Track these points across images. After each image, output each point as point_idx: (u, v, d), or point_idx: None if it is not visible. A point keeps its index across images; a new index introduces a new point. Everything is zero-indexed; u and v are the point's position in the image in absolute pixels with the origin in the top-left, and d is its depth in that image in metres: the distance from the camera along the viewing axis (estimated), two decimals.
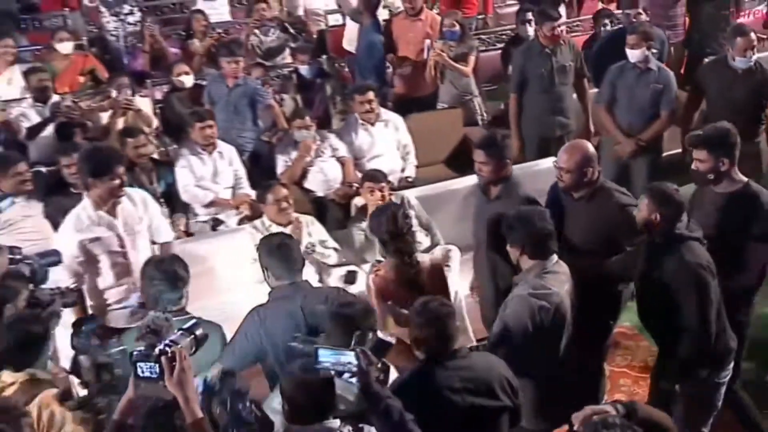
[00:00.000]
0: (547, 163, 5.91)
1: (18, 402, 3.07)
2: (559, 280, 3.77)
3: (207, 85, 6.81)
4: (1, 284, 3.71)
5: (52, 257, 4.27)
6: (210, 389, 2.91)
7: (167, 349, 2.65)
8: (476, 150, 4.33)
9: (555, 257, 3.82)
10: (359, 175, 6.20)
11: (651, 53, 5.94)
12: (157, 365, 2.62)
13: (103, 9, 8.10)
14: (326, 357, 2.83)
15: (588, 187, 4.23)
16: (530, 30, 7.15)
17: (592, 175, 4.19)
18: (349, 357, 2.81)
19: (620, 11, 8.40)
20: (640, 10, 7.08)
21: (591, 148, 4.36)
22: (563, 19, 7.50)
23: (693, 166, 4.26)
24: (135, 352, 2.71)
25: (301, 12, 9.07)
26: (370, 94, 6.34)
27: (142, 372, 2.65)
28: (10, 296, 3.67)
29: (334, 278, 5.14)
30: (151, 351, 2.66)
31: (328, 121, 7.15)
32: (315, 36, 8.92)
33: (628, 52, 5.79)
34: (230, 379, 3.01)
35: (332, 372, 2.85)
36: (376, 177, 5.33)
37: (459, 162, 6.78)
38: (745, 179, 4.27)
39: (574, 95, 6.53)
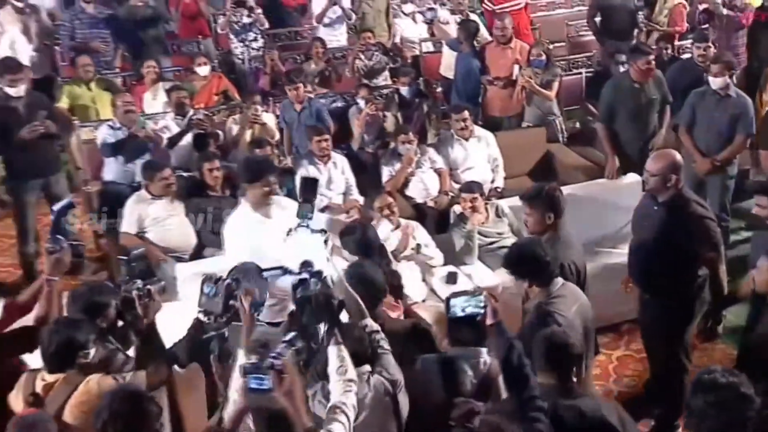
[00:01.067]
0: (629, 179, 6.05)
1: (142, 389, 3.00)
2: (566, 303, 3.68)
3: (280, 111, 6.85)
4: (90, 297, 3.53)
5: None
6: None
7: (276, 362, 2.59)
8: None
9: (560, 281, 3.74)
10: (454, 185, 6.20)
11: (732, 81, 5.76)
12: (267, 378, 2.54)
13: (231, 36, 8.25)
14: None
15: (670, 192, 4.15)
16: (621, 68, 7.02)
17: (675, 183, 4.13)
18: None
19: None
20: (710, 44, 6.77)
21: (677, 157, 4.29)
22: None
23: (753, 211, 4.18)
24: (246, 366, 2.65)
25: (398, 39, 9.06)
26: (466, 113, 6.35)
27: (254, 384, 2.56)
28: (102, 308, 3.52)
29: (437, 278, 5.11)
30: (260, 364, 2.60)
31: (424, 136, 7.12)
32: (410, 60, 8.89)
33: (711, 79, 5.62)
34: None
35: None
36: (470, 188, 5.33)
37: (542, 174, 6.70)
38: None
39: None
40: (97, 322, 3.39)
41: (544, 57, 7.01)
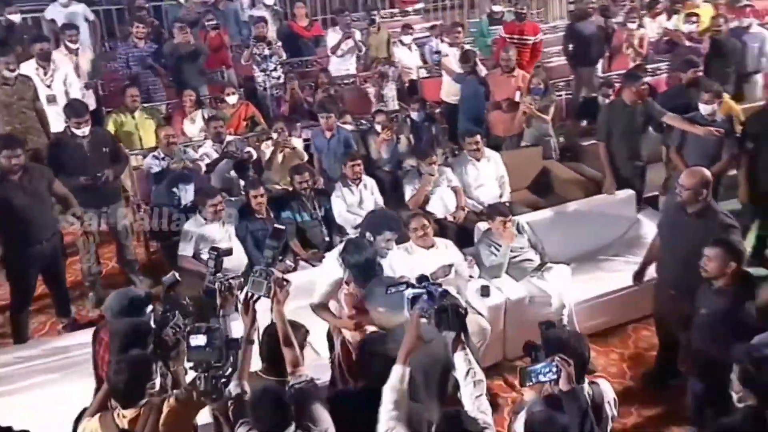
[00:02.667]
0: (624, 193, 5.92)
1: None
2: None
3: (311, 138, 6.65)
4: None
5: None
6: None
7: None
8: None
9: None
10: (468, 200, 6.06)
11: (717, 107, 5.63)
12: None
13: (254, 66, 7.95)
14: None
15: (701, 204, 4.14)
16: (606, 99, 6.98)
17: (705, 196, 4.13)
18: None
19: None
20: (700, 69, 6.65)
21: (707, 173, 4.26)
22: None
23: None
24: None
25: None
26: (478, 137, 6.19)
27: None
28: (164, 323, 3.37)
29: (471, 291, 4.88)
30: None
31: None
32: (407, 85, 8.74)
33: (702, 106, 5.49)
34: None
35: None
36: (503, 212, 5.09)
37: (539, 187, 6.71)
38: None
39: None
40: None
41: (542, 85, 6.82)
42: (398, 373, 2.80)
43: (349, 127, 6.80)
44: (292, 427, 2.73)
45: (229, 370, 2.93)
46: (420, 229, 4.80)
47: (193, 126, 6.94)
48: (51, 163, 5.37)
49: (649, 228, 5.66)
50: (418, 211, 5.47)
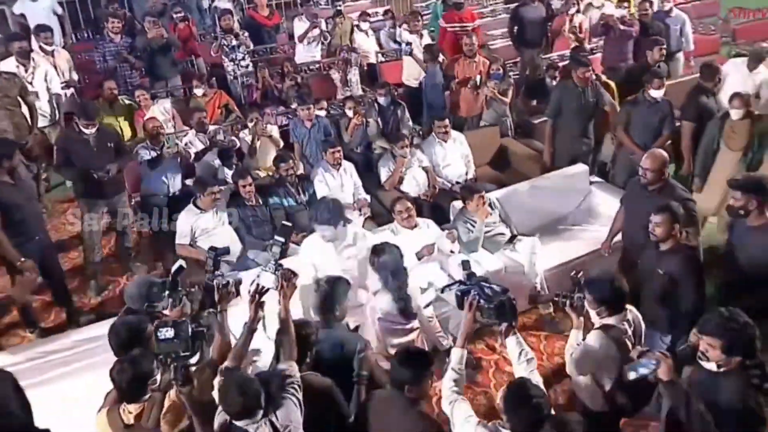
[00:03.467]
0: (577, 168, 6.02)
1: None
2: None
3: (291, 128, 6.53)
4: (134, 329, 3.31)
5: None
6: None
7: None
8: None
9: None
10: (438, 179, 6.11)
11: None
12: None
13: (223, 56, 7.79)
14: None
15: (662, 182, 4.35)
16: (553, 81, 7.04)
17: (666, 175, 4.36)
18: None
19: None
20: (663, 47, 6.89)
21: (665, 155, 4.48)
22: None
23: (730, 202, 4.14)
24: None
25: None
26: (447, 121, 6.22)
27: None
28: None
29: (453, 266, 4.84)
30: None
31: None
32: (366, 69, 8.60)
33: (652, 91, 5.64)
34: None
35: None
36: (478, 189, 5.10)
37: (499, 163, 6.80)
38: None
39: None
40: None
41: (501, 70, 6.88)
42: (458, 356, 3.02)
43: (322, 113, 6.69)
44: (259, 415, 2.76)
45: (196, 358, 2.95)
46: (404, 211, 4.84)
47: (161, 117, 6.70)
48: (60, 157, 5.42)
49: (600, 198, 5.85)
50: (402, 195, 5.47)
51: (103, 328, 3.91)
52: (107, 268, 5.89)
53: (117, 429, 2.96)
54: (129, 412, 2.94)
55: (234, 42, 7.75)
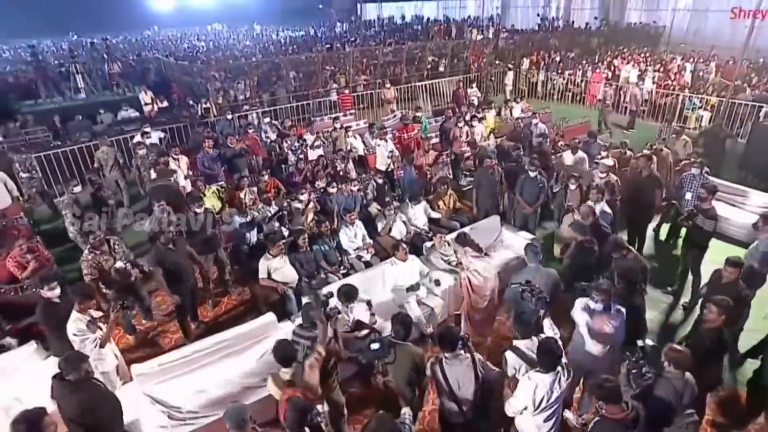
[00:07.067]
0: (495, 218, 6.37)
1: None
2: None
3: (333, 196, 6.47)
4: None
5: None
6: None
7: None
8: None
9: None
10: (411, 228, 6.34)
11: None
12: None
13: (289, 152, 8.27)
14: None
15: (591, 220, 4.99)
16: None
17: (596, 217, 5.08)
18: None
19: None
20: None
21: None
22: None
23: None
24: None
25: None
26: (420, 198, 6.57)
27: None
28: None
29: (430, 283, 5.25)
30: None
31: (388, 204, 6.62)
32: (357, 159, 8.72)
33: (529, 172, 6.28)
34: None
35: None
36: (441, 232, 5.56)
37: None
38: None
39: None
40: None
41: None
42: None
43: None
44: None
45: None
46: (401, 252, 5.22)
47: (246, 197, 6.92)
48: (186, 231, 5.47)
49: (507, 235, 6.30)
50: (398, 241, 5.63)
51: (224, 335, 4.34)
52: (217, 293, 5.98)
53: (280, 385, 3.13)
54: (285, 373, 3.18)
55: (296, 143, 8.25)
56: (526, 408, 3.01)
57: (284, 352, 3.25)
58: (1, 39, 24.12)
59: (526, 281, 3.53)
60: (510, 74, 14.42)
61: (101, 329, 3.95)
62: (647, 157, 6.34)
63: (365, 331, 4.08)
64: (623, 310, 3.65)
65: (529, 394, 2.96)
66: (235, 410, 2.80)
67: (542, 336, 3.29)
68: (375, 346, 2.96)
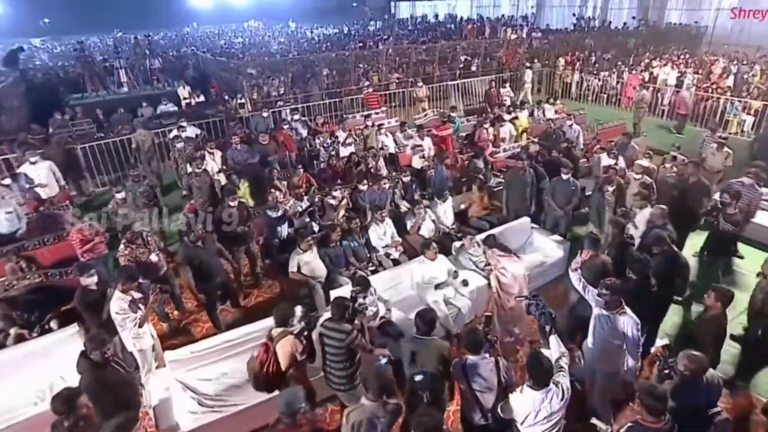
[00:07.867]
0: (526, 220, 6.25)
1: None
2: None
3: (367, 195, 6.43)
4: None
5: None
6: None
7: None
8: None
9: None
10: (440, 226, 6.36)
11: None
12: None
13: (321, 148, 8.24)
14: None
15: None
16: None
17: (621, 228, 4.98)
18: None
19: None
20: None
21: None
22: None
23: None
24: None
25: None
26: (447, 194, 6.57)
27: None
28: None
29: (458, 282, 5.20)
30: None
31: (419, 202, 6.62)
32: (388, 157, 8.67)
33: (563, 175, 6.17)
34: None
35: None
36: (471, 233, 5.56)
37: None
38: None
39: None
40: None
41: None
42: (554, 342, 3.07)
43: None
44: None
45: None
46: (431, 250, 5.19)
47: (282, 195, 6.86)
48: (215, 222, 5.55)
49: (537, 237, 6.20)
50: (428, 240, 5.53)
51: (254, 326, 4.37)
52: (248, 285, 6.03)
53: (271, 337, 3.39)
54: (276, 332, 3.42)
55: (328, 140, 8.27)
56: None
57: (282, 317, 3.49)
58: (54, 36, 25.22)
59: (533, 295, 3.32)
60: (528, 72, 13.92)
61: (141, 309, 4.10)
62: (695, 164, 6.26)
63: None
64: (634, 317, 3.45)
65: (517, 407, 2.86)
66: (291, 395, 2.58)
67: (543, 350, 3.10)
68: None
